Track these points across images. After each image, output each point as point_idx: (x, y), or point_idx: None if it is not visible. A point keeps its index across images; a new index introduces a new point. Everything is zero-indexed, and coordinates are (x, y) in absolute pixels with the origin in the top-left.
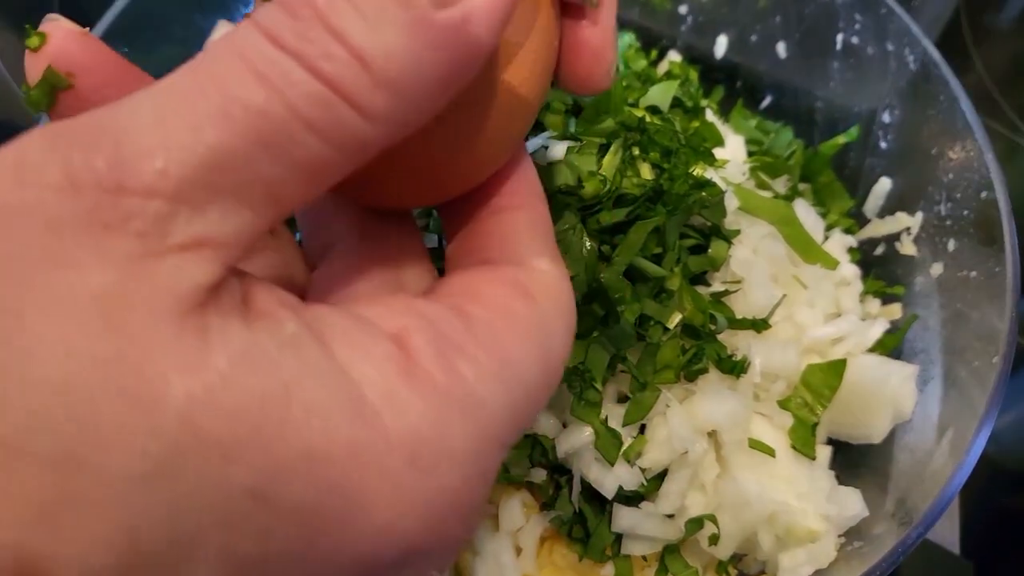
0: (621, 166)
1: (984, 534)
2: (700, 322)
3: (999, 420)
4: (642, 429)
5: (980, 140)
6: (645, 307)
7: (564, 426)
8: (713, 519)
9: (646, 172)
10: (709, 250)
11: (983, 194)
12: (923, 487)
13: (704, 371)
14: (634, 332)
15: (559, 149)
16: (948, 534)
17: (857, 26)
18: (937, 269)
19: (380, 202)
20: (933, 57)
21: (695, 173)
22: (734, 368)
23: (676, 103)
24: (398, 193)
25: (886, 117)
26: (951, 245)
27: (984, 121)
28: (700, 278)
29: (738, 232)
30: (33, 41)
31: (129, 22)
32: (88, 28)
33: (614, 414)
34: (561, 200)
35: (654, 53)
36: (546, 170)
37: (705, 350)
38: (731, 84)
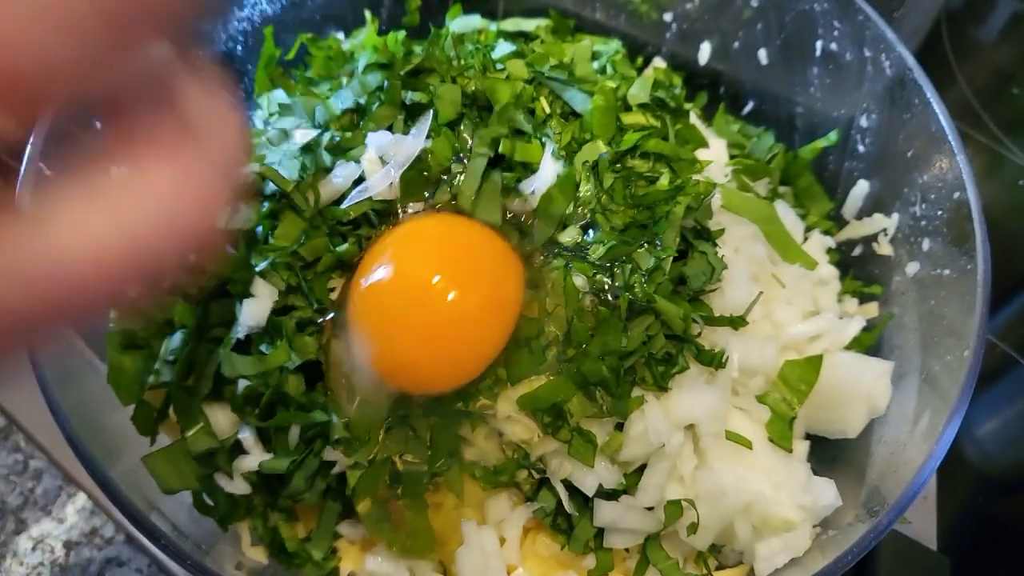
0: (602, 192)
1: (963, 536)
2: (680, 329)
3: (982, 427)
4: (619, 425)
5: (953, 143)
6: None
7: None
8: (692, 503)
9: (664, 182)
10: (695, 256)
11: (956, 195)
12: (896, 477)
13: (683, 370)
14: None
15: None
16: (927, 534)
17: (836, 33)
18: (913, 268)
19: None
20: (908, 63)
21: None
22: (712, 360)
23: (661, 104)
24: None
25: (864, 121)
26: (926, 245)
27: (967, 133)
28: (681, 278)
29: (723, 231)
30: None
31: None
32: None
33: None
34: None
35: (640, 60)
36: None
37: (681, 352)
38: (714, 90)
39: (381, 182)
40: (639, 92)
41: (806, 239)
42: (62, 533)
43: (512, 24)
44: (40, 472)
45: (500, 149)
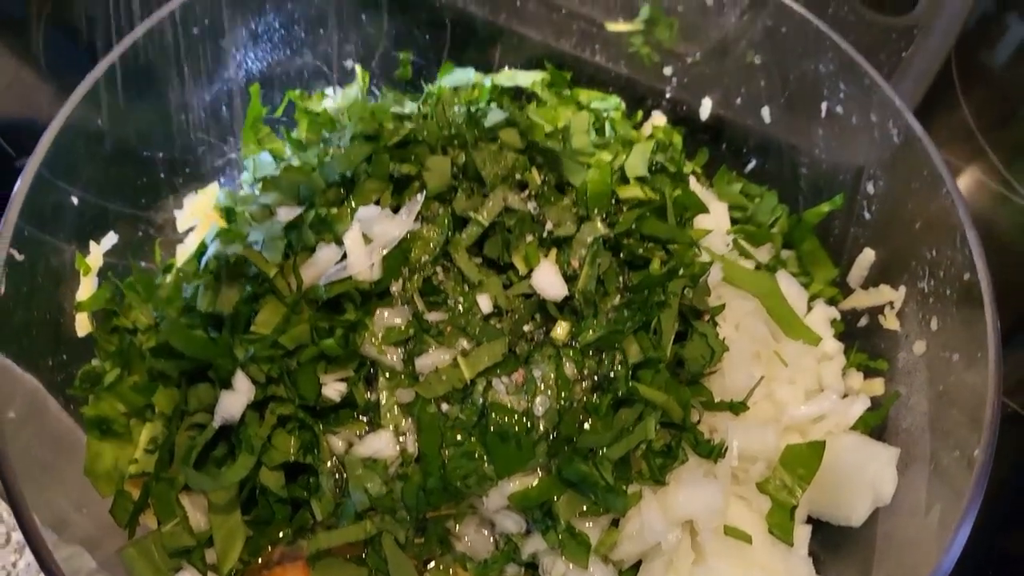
0: (598, 279)
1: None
2: (679, 417)
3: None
4: (615, 521)
5: (963, 218)
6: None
7: (528, 525)
8: None
9: (656, 265)
10: (695, 338)
11: (966, 276)
12: (907, 574)
13: (682, 463)
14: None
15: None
16: None
17: (841, 95)
18: (921, 347)
19: None
20: (916, 131)
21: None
22: (711, 452)
23: (660, 169)
24: None
25: (870, 188)
26: (935, 324)
27: (971, 170)
28: (679, 360)
29: (723, 307)
30: None
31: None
32: None
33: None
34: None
35: (639, 114)
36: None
37: (680, 443)
38: (716, 147)
39: (362, 262)
40: (637, 163)
41: (810, 308)
42: None
43: (507, 78)
44: (23, 545)
45: (497, 253)
